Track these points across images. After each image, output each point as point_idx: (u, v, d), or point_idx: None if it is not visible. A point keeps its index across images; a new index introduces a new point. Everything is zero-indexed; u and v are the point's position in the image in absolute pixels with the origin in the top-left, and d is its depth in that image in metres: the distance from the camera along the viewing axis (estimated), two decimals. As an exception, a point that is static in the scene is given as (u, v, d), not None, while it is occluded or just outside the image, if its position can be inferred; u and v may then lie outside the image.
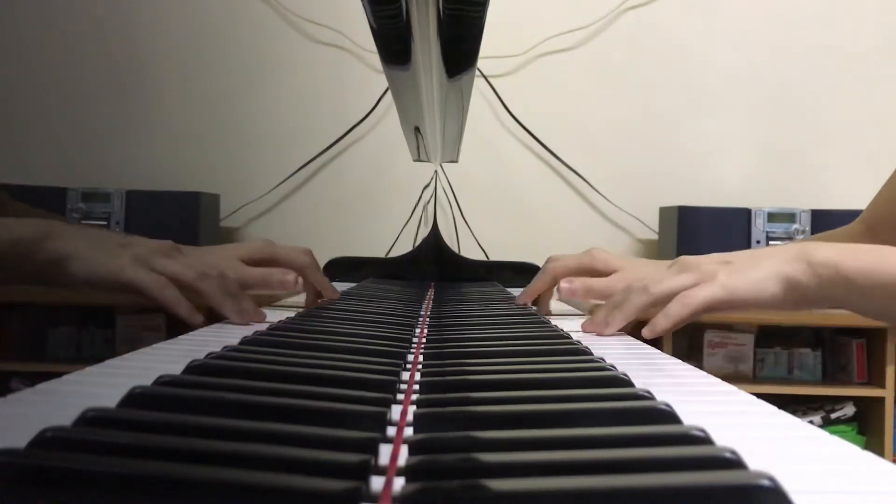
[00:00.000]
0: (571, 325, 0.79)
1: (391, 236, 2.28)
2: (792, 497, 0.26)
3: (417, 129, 1.06)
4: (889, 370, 2.08)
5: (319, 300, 0.95)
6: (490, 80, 2.42)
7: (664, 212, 2.34)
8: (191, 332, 0.71)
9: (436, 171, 1.85)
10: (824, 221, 2.14)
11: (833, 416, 2.15)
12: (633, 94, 2.46)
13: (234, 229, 2.45)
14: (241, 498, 0.26)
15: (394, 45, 0.66)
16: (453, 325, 0.75)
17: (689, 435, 0.33)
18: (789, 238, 2.16)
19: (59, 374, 0.46)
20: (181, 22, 2.47)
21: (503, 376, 0.48)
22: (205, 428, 0.33)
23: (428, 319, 0.82)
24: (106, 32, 2.46)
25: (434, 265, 1.44)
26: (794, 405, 2.15)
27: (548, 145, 2.43)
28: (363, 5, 0.57)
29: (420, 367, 0.52)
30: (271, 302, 0.99)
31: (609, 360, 0.53)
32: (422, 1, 0.57)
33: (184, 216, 2.17)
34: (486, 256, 2.27)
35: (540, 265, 0.97)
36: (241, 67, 2.46)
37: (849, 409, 2.16)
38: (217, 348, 0.51)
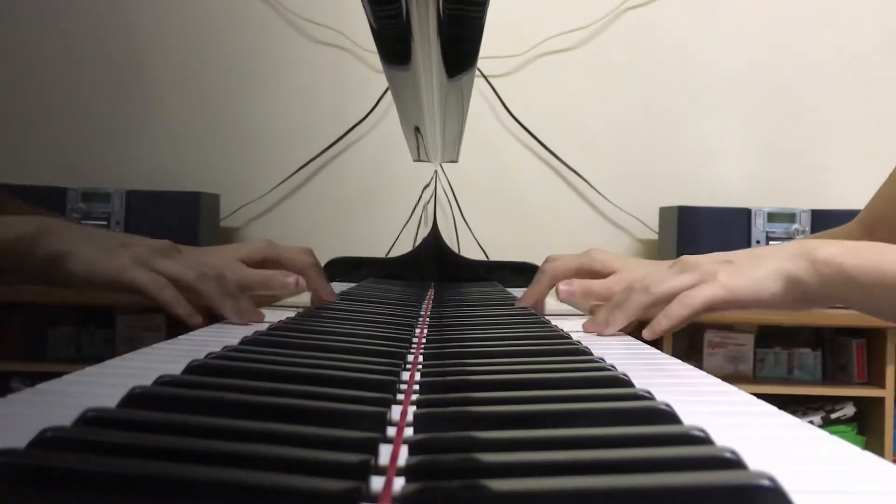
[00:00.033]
0: (571, 325, 0.79)
1: (391, 236, 2.28)
2: (792, 497, 0.26)
3: (417, 129, 1.06)
4: (889, 370, 2.08)
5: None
6: (490, 80, 2.42)
7: (664, 212, 2.35)
8: (191, 332, 0.71)
9: (436, 171, 1.85)
10: (824, 221, 2.13)
11: (833, 416, 2.15)
12: (633, 94, 2.46)
13: (234, 229, 2.45)
14: (241, 498, 0.26)
15: (394, 45, 0.66)
16: (453, 325, 0.75)
17: (689, 435, 0.33)
18: (789, 238, 2.16)
19: (59, 374, 0.46)
20: (181, 22, 2.47)
21: (503, 376, 0.48)
22: (205, 428, 0.33)
23: (428, 319, 0.82)
24: (106, 32, 2.46)
25: (434, 265, 1.44)
26: (794, 405, 2.15)
27: (548, 145, 2.43)
28: (363, 5, 0.57)
29: (420, 367, 0.52)
30: (271, 302, 0.99)
31: (609, 361, 0.53)
32: (422, 1, 0.57)
33: (184, 216, 2.17)
34: (486, 256, 2.27)
35: (540, 265, 0.97)
36: (241, 67, 2.46)
37: (849, 410, 2.16)
38: (217, 348, 0.51)
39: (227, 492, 0.26)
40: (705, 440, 0.33)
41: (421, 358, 0.56)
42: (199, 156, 2.46)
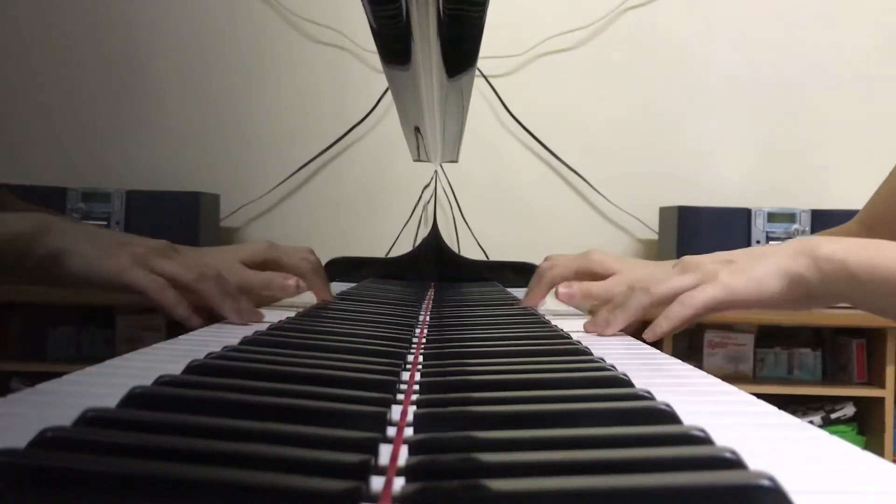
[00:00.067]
0: (571, 325, 0.79)
1: (391, 236, 2.28)
2: (792, 497, 0.26)
3: (417, 129, 1.06)
4: (889, 370, 2.08)
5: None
6: (490, 80, 2.42)
7: (664, 212, 2.35)
8: (191, 332, 0.71)
9: (436, 171, 1.85)
10: (824, 221, 2.13)
11: (833, 416, 2.15)
12: (633, 94, 2.46)
13: (234, 229, 2.45)
14: (241, 498, 0.26)
15: (394, 45, 0.66)
16: (453, 325, 0.75)
17: (689, 435, 0.33)
18: (789, 238, 2.16)
19: (59, 374, 0.46)
20: (181, 22, 2.47)
21: (503, 376, 0.48)
22: (205, 428, 0.33)
23: (428, 319, 0.82)
24: (106, 32, 2.46)
25: (434, 265, 1.44)
26: (794, 405, 2.15)
27: (548, 145, 2.43)
28: (363, 5, 0.57)
29: (420, 367, 0.52)
30: (270, 302, 0.99)
31: (609, 361, 0.53)
32: (422, 1, 0.57)
33: (184, 216, 2.17)
34: (486, 256, 2.27)
35: (539, 265, 0.97)
36: (241, 67, 2.46)
37: (849, 410, 2.16)
38: (217, 348, 0.51)
39: (227, 492, 0.26)
40: (705, 440, 0.33)
41: (421, 358, 0.56)
42: (199, 156, 2.46)
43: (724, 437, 0.33)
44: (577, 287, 0.87)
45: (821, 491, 0.30)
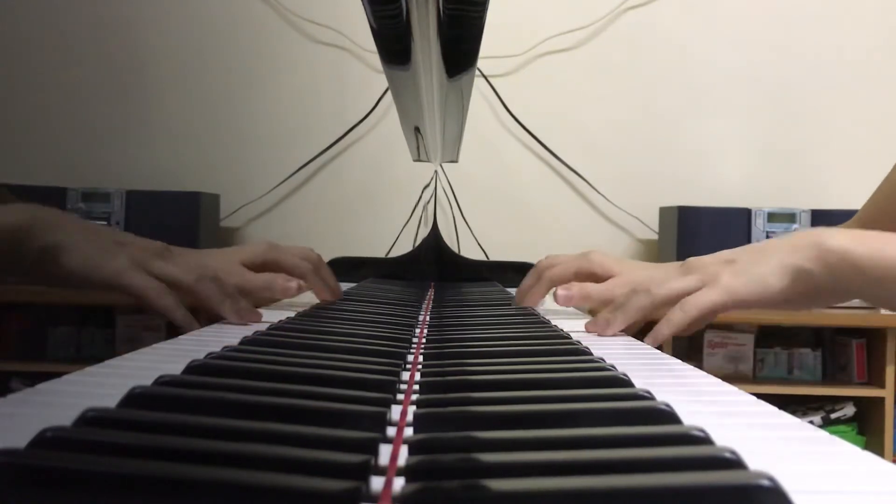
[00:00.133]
0: (571, 325, 0.79)
1: (391, 236, 2.28)
2: (792, 497, 0.26)
3: (417, 129, 1.06)
4: (889, 370, 2.08)
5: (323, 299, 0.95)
6: (490, 80, 2.42)
7: (664, 212, 2.35)
8: (191, 332, 0.71)
9: (436, 171, 1.86)
10: (824, 221, 2.13)
11: (833, 416, 2.15)
12: (633, 94, 2.46)
13: (234, 229, 2.45)
14: (241, 498, 0.26)
15: (394, 45, 0.66)
16: (453, 325, 0.75)
17: (689, 435, 0.33)
18: (789, 238, 2.16)
19: (59, 374, 0.46)
20: (181, 22, 2.47)
21: (503, 376, 0.48)
22: (205, 428, 0.33)
23: (428, 319, 0.82)
24: (106, 32, 2.46)
25: (434, 265, 1.44)
26: (794, 405, 2.15)
27: (548, 145, 2.43)
28: (363, 5, 0.57)
29: (420, 367, 0.52)
30: (270, 303, 0.99)
31: (609, 361, 0.53)
32: (422, 1, 0.57)
33: (184, 216, 2.17)
34: (486, 256, 2.27)
35: (539, 265, 0.97)
36: (241, 67, 2.46)
37: (849, 410, 2.16)
38: (217, 348, 0.51)
39: (227, 492, 0.26)
40: (705, 440, 0.33)
41: (421, 358, 0.56)
42: (199, 156, 2.46)
43: (724, 437, 0.33)
44: (577, 289, 0.86)
45: (821, 491, 0.30)
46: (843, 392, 2.15)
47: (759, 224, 2.19)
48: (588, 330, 0.78)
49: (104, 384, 0.44)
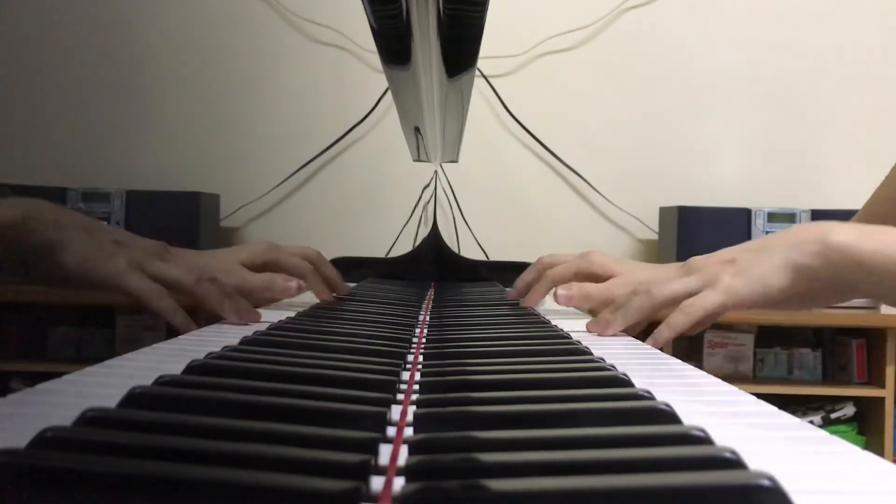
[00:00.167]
0: (571, 325, 0.79)
1: (391, 236, 2.28)
2: (792, 497, 0.26)
3: (417, 129, 1.06)
4: (889, 370, 2.08)
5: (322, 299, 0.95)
6: (490, 80, 2.42)
7: (664, 212, 2.35)
8: (191, 332, 0.71)
9: (436, 171, 1.85)
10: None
11: (833, 416, 2.15)
12: (633, 94, 2.46)
13: (234, 229, 2.45)
14: (241, 498, 0.26)
15: (394, 45, 0.66)
16: (453, 325, 0.75)
17: (689, 435, 0.33)
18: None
19: (59, 374, 0.46)
20: (181, 21, 2.47)
21: (503, 376, 0.48)
22: (205, 428, 0.33)
23: (428, 319, 0.82)
24: (106, 32, 2.46)
25: (434, 265, 1.44)
26: (794, 405, 2.15)
27: (548, 145, 2.43)
28: (363, 5, 0.57)
29: (420, 367, 0.52)
30: (270, 303, 0.99)
31: (609, 360, 0.53)
32: (422, 1, 0.57)
33: (184, 216, 2.17)
34: (486, 256, 2.27)
35: (539, 264, 0.97)
36: (240, 67, 2.46)
37: (849, 409, 2.16)
38: (217, 348, 0.51)
39: (227, 492, 0.26)
40: (705, 440, 0.33)
41: (421, 358, 0.56)
42: (199, 156, 2.46)
43: (725, 437, 0.33)
44: (577, 289, 0.86)
45: (821, 491, 0.30)
46: (843, 392, 2.15)
47: (759, 224, 2.19)
48: (588, 330, 0.78)
49: (104, 384, 0.44)
